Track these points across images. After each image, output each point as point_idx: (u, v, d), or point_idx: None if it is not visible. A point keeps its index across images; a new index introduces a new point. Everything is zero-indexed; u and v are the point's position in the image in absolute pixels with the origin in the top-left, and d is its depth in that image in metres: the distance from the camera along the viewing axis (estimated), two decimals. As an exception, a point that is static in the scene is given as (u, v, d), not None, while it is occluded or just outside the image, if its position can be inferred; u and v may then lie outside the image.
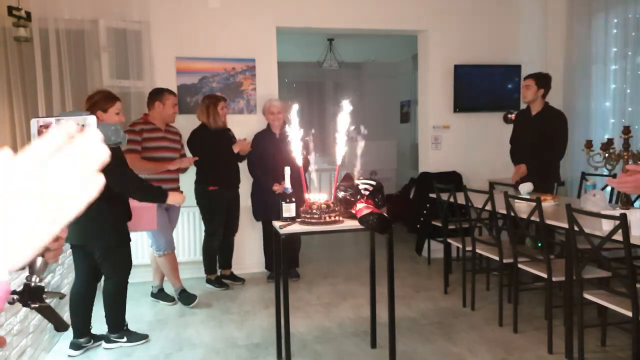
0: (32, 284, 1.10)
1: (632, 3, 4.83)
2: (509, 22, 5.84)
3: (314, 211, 2.97)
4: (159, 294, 4.47)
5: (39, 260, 1.09)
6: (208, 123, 4.57)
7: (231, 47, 5.14)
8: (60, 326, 1.20)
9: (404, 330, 3.68)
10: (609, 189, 4.55)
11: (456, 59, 5.68)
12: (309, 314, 4.11)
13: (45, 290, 1.11)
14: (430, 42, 5.70)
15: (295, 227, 2.99)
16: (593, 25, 5.23)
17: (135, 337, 3.61)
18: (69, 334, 3.49)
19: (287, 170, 3.24)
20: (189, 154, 4.57)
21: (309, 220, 2.99)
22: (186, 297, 4.31)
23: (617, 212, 2.74)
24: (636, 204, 4.02)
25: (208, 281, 4.83)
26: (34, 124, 1.15)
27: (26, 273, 1.11)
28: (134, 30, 4.79)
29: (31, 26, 4.40)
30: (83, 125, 1.11)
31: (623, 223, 2.63)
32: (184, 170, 4.44)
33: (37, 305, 1.11)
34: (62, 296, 1.26)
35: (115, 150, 3.40)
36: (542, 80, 4.44)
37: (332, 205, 3.01)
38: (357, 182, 3.17)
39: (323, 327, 3.83)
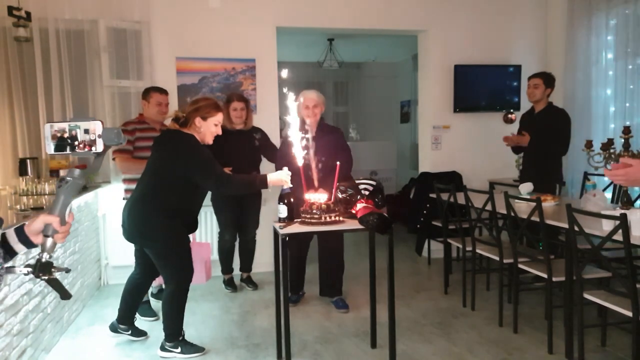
0: (43, 260, 1.31)
1: (632, 2, 4.83)
2: (509, 22, 5.84)
3: (314, 211, 2.97)
4: (159, 294, 4.46)
5: (49, 241, 1.32)
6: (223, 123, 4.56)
7: (231, 47, 5.14)
8: (64, 295, 1.40)
9: (404, 330, 3.68)
10: (610, 189, 4.55)
11: (456, 59, 5.68)
12: (309, 314, 4.11)
13: (54, 265, 1.32)
14: (430, 42, 5.70)
15: (295, 227, 3.00)
16: (593, 24, 5.23)
17: (191, 349, 3.40)
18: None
19: (286, 170, 3.23)
20: None
21: (309, 220, 2.99)
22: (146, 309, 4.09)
23: (617, 212, 2.74)
24: (636, 204, 4.02)
25: (223, 281, 4.83)
26: (48, 128, 1.33)
27: (39, 251, 1.32)
28: (134, 30, 4.79)
29: (31, 26, 4.41)
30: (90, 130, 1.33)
31: (623, 223, 2.63)
32: None
33: (46, 277, 1.32)
34: (67, 270, 1.45)
35: (194, 150, 3.24)
36: (550, 80, 4.44)
37: (332, 205, 3.01)
38: (357, 182, 3.17)
39: (323, 327, 3.82)
